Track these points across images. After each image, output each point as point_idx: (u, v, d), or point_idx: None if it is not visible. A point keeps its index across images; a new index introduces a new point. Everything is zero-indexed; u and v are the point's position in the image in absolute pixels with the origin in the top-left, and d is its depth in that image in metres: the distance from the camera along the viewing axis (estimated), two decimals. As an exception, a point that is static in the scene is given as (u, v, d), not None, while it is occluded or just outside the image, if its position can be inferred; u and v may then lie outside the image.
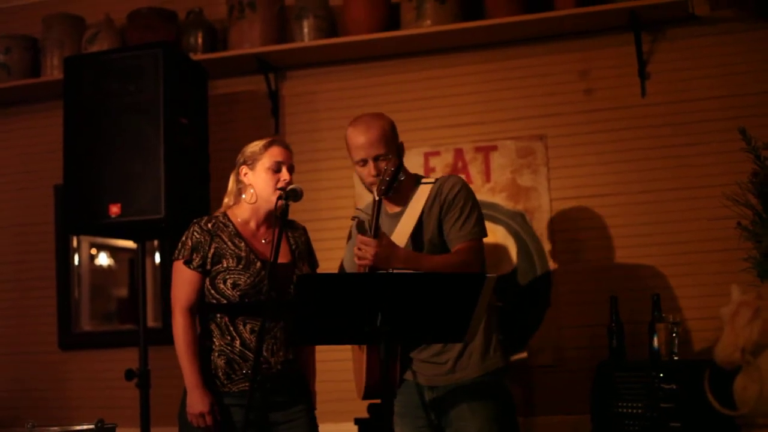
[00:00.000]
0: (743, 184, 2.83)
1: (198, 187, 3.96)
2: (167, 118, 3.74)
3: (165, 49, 3.81)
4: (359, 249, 2.66)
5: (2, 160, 4.88)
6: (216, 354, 2.87)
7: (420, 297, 2.35)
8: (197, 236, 2.89)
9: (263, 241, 2.95)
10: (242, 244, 2.90)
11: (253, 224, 2.97)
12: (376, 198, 2.71)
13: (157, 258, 4.79)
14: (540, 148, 4.09)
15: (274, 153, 2.93)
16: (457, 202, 2.81)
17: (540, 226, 4.05)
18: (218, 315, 2.89)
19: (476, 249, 2.81)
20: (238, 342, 2.86)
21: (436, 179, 2.92)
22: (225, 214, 2.97)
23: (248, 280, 2.84)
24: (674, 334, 3.60)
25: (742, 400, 2.25)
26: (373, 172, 2.80)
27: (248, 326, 2.86)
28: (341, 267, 3.06)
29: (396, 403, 2.81)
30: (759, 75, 3.88)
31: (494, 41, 4.18)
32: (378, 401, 2.84)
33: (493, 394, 2.81)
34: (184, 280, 2.89)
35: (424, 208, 2.85)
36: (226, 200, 3.03)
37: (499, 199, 4.11)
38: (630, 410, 3.41)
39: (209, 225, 2.92)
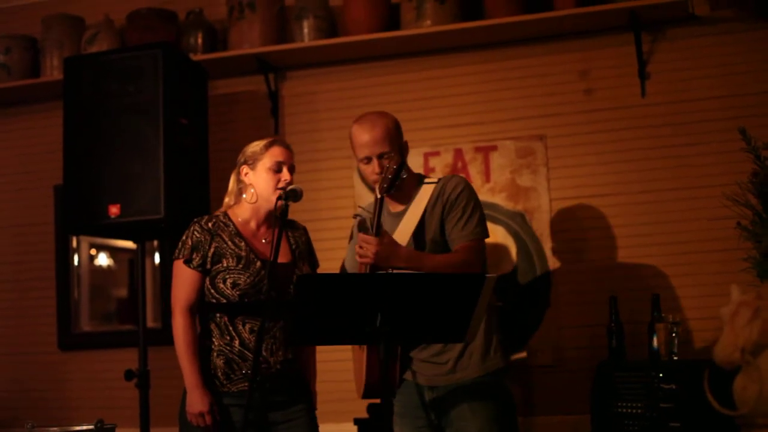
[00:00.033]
0: (743, 184, 2.82)
1: (198, 187, 3.96)
2: (167, 118, 3.74)
3: (165, 50, 3.81)
4: (361, 247, 2.66)
5: (2, 160, 4.88)
6: (215, 354, 2.87)
7: (420, 297, 2.35)
8: (197, 235, 2.89)
9: (263, 240, 2.95)
10: (242, 243, 2.90)
11: (253, 224, 2.97)
12: (378, 196, 2.72)
13: (157, 258, 4.78)
14: (540, 148, 4.09)
15: (275, 153, 2.93)
16: (460, 202, 2.81)
17: (540, 226, 4.05)
18: (218, 314, 2.89)
19: (478, 249, 2.81)
20: (237, 342, 2.86)
21: (439, 179, 2.92)
22: (225, 214, 2.97)
23: (248, 280, 2.84)
24: (674, 334, 3.60)
25: (741, 400, 2.25)
26: (377, 169, 2.80)
27: (247, 326, 2.86)
28: (343, 267, 3.06)
29: (396, 403, 2.81)
30: (759, 75, 3.88)
31: (494, 41, 4.18)
32: (378, 401, 2.84)
33: (494, 395, 2.81)
34: (184, 280, 2.89)
35: (426, 208, 2.84)
36: (226, 200, 3.03)
37: (499, 200, 4.11)
38: (630, 410, 3.41)
39: (210, 224, 2.92)
